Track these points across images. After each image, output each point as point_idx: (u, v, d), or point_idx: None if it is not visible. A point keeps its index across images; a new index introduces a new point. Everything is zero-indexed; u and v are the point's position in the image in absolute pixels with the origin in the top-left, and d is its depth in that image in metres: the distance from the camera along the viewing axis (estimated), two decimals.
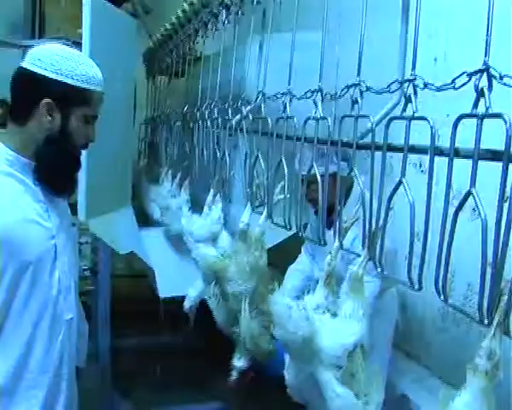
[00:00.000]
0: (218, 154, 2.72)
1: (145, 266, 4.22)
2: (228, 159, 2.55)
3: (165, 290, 4.05)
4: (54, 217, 1.96)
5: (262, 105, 2.20)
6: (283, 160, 2.04)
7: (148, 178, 4.59)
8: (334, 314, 1.77)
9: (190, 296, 3.23)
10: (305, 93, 1.93)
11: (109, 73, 2.27)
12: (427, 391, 2.96)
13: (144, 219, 4.48)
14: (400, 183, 1.53)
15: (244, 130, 2.36)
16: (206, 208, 2.85)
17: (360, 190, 1.66)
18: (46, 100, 1.83)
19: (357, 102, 1.65)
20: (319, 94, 1.85)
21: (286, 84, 2.16)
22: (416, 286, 1.50)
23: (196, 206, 3.39)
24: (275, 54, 2.47)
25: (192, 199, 3.62)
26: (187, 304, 3.24)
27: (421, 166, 2.90)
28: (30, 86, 1.86)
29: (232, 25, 2.95)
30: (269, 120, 2.13)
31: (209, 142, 2.89)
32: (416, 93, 1.53)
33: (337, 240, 1.81)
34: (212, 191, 2.84)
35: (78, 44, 4.98)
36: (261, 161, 2.19)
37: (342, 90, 1.74)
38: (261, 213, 2.27)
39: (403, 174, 1.54)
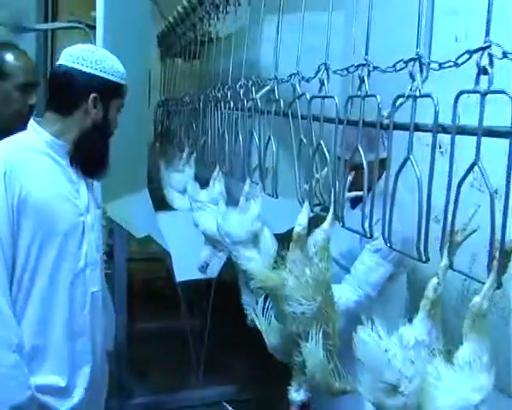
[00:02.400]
0: (256, 139, 2.05)
1: (161, 249, 3.70)
2: (274, 146, 1.90)
3: (181, 274, 3.56)
4: (83, 197, 1.99)
5: (325, 81, 1.57)
6: (360, 148, 1.42)
7: (165, 161, 3.96)
8: (448, 358, 1.15)
9: (202, 257, 2.84)
10: (396, 63, 1.30)
11: (124, 55, 2.11)
12: None
13: (160, 203, 3.90)
14: None
15: (299, 113, 1.72)
16: (242, 201, 2.19)
17: (489, 191, 1.05)
18: (93, 94, 1.90)
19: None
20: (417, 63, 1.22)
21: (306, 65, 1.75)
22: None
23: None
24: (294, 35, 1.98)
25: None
26: (199, 264, 2.86)
27: (440, 147, 2.38)
28: (78, 82, 1.91)
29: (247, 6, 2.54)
30: (335, 99, 1.50)
31: (244, 126, 2.25)
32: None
33: (445, 257, 1.20)
34: (248, 182, 2.18)
35: (91, 27, 4.46)
36: (325, 150, 1.57)
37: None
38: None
39: None
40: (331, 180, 1.56)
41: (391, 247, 1.36)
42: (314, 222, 2.33)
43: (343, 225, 1.51)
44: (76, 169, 1.98)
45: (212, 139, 2.75)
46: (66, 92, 1.94)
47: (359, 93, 1.41)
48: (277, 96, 1.89)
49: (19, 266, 1.83)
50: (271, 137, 1.90)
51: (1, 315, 1.77)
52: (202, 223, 2.74)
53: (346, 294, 2.25)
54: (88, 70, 1.90)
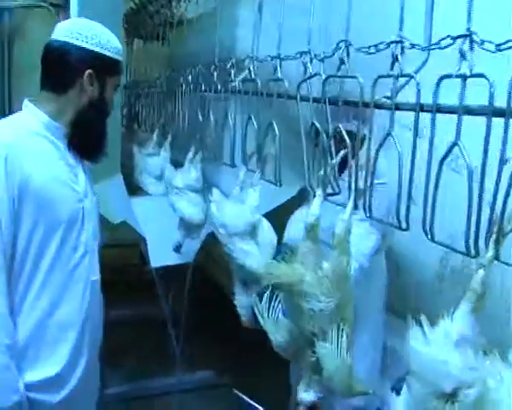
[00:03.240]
0: (255, 123, 1.86)
1: (136, 235, 3.51)
2: (276, 129, 1.74)
3: (156, 260, 3.41)
4: (82, 182, 1.85)
5: (345, 59, 1.41)
6: (393, 135, 1.28)
7: (138, 144, 3.74)
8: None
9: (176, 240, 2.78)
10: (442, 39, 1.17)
11: None
12: None
13: (132, 187, 3.70)
14: None
15: (311, 94, 1.57)
16: (236, 190, 1.98)
17: None
18: (89, 71, 1.75)
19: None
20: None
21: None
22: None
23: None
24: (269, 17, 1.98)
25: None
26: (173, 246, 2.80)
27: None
28: (72, 58, 1.75)
29: None
30: (360, 80, 1.35)
31: (235, 109, 2.07)
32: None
33: (491, 248, 1.08)
34: (243, 169, 1.97)
35: (55, 6, 4.17)
36: (344, 134, 1.42)
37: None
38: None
39: None
40: (352, 167, 1.41)
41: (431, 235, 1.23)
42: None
43: (370, 216, 1.36)
44: (74, 152, 1.84)
45: (192, 122, 2.55)
46: (61, 68, 1.78)
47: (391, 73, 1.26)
48: (280, 76, 1.72)
49: (19, 254, 1.70)
50: (273, 123, 1.72)
51: None
52: (179, 208, 2.63)
53: None
54: (83, 45, 1.75)
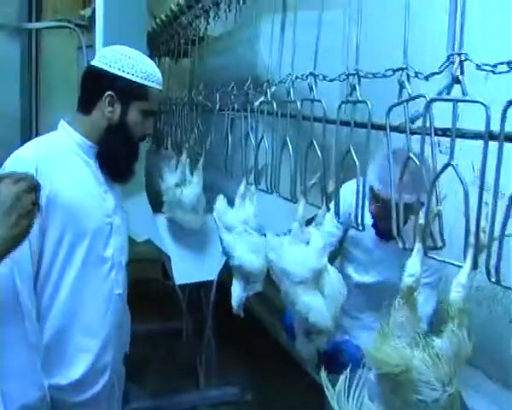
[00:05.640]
0: (318, 150, 1.45)
1: (158, 251, 3.17)
2: (355, 158, 1.30)
3: (180, 277, 3.05)
4: (111, 199, 1.76)
5: (460, 77, 0.99)
6: None
7: (164, 166, 3.23)
8: None
9: (236, 296, 2.04)
10: None
11: None
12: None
13: (156, 205, 3.25)
14: None
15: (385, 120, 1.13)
16: (295, 228, 1.49)
17: None
18: (108, 92, 1.67)
19: None
20: None
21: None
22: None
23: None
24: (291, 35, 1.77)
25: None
26: (235, 305, 2.05)
27: (439, 145, 2.05)
28: (96, 80, 1.71)
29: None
30: (484, 103, 0.94)
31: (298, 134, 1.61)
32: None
33: None
34: (302, 203, 1.50)
35: (80, 26, 3.79)
36: (458, 173, 1.00)
37: None
38: None
39: None
40: (467, 215, 0.98)
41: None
42: None
43: (498, 282, 0.93)
44: (103, 171, 1.75)
45: (238, 147, 2.05)
46: (86, 90, 1.74)
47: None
48: (354, 96, 1.29)
49: (46, 262, 1.62)
50: (351, 149, 1.29)
51: (21, 308, 1.56)
52: (239, 255, 1.91)
53: None
54: (106, 68, 1.68)
